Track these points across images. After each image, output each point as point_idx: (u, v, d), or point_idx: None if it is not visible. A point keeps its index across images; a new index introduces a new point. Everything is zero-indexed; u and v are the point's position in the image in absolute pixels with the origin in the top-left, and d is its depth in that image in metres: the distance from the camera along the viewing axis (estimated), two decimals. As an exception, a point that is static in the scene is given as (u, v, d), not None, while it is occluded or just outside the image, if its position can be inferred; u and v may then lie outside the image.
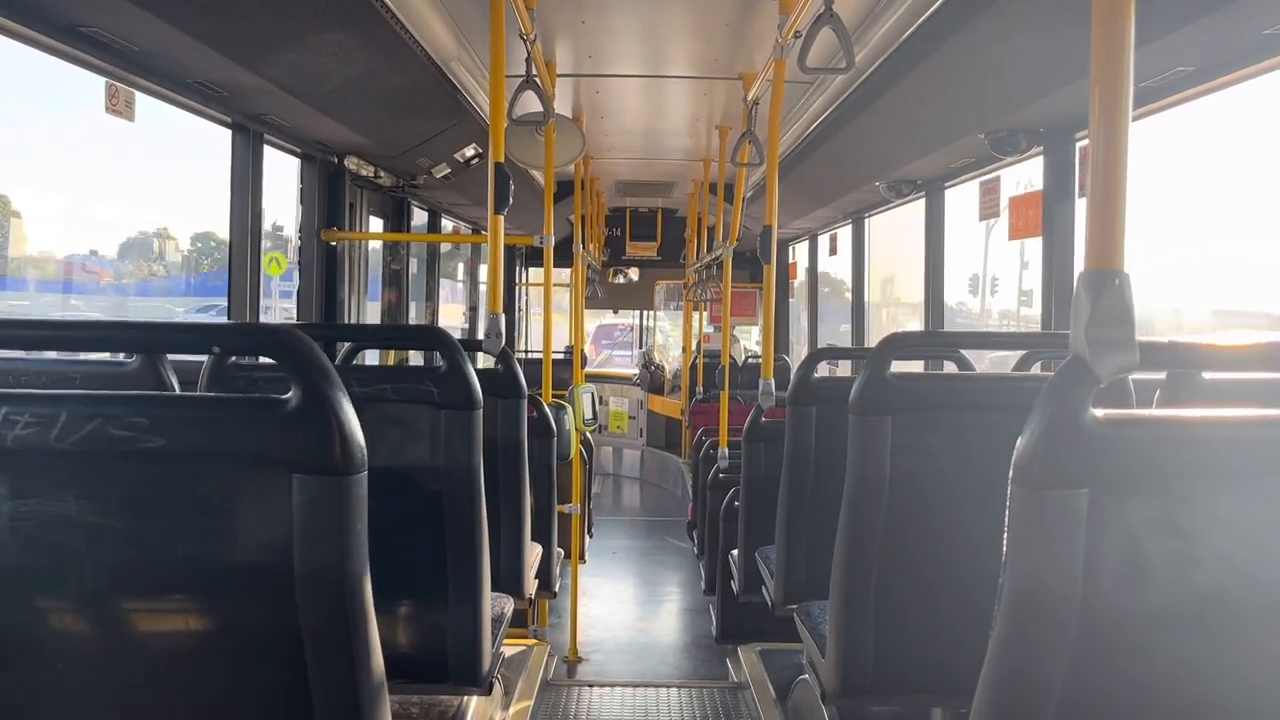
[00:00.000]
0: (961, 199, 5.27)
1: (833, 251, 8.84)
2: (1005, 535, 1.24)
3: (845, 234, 8.28)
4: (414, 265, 7.04)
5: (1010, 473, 1.23)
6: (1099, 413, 1.21)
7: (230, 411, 1.32)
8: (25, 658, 1.38)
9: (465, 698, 3.23)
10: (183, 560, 1.34)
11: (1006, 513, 1.24)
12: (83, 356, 2.37)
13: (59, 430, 1.28)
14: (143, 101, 3.50)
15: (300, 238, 5.02)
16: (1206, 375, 1.83)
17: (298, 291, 5.00)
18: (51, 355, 2.24)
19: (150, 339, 1.63)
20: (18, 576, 1.35)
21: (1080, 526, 1.20)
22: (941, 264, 5.55)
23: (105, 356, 2.40)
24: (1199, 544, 1.22)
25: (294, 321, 5.01)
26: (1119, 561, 1.21)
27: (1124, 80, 1.26)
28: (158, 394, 1.37)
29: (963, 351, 3.38)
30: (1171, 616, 1.24)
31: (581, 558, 5.44)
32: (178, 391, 2.38)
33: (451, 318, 9.90)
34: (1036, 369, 2.99)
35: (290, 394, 1.28)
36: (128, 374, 2.24)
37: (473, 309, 10.07)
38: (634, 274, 12.59)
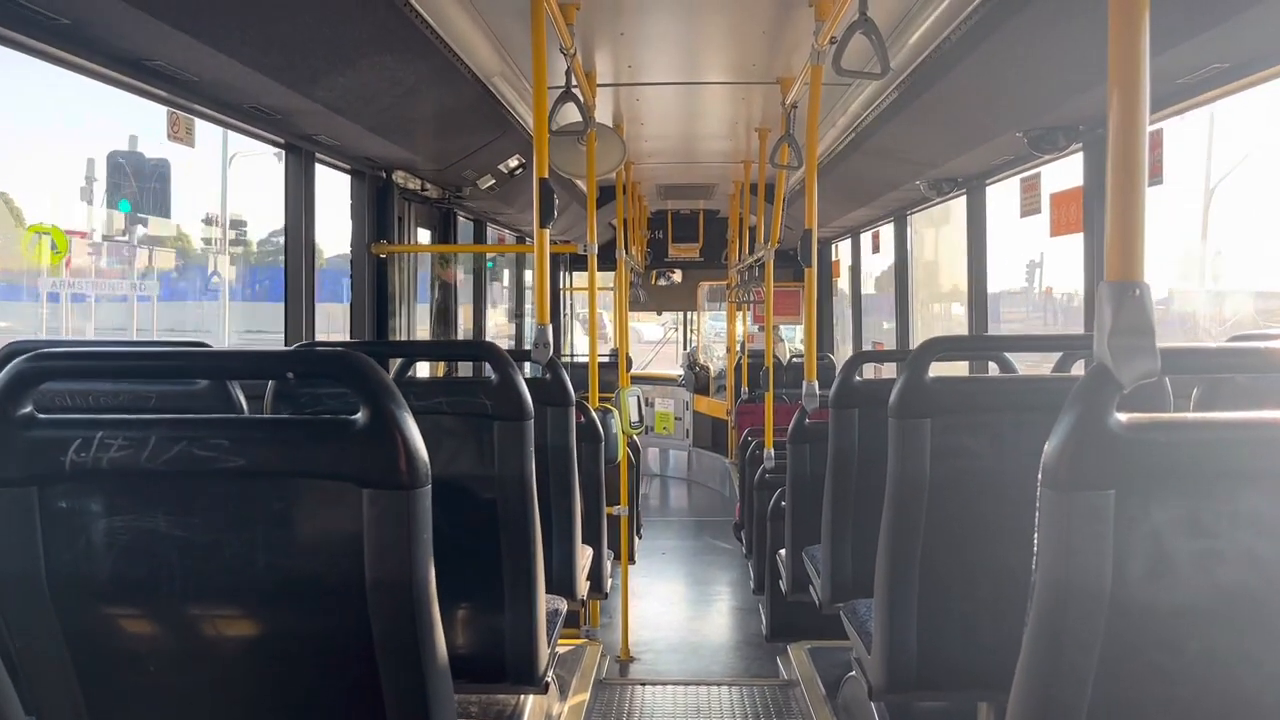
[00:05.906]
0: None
1: (875, 249, 8.82)
2: (1036, 535, 1.29)
3: (888, 232, 8.26)
4: (460, 273, 7.18)
5: (1039, 475, 1.28)
6: (1123, 417, 1.26)
7: (304, 432, 1.43)
8: (121, 659, 1.51)
9: (522, 696, 3.33)
10: (262, 570, 1.45)
11: (1037, 513, 1.29)
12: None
13: (149, 451, 1.39)
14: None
15: (352, 252, 5.17)
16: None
17: (350, 305, 5.15)
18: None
19: (228, 366, 1.78)
20: (113, 586, 1.47)
21: (1108, 525, 1.25)
22: (984, 262, 5.53)
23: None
24: (1222, 541, 1.26)
25: (344, 339, 5.16)
26: (1145, 558, 1.26)
27: (1140, 89, 1.30)
28: (237, 417, 1.48)
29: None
30: (1198, 610, 1.28)
31: (631, 559, 5.52)
32: (245, 407, 2.51)
33: (493, 322, 10.05)
34: (1079, 367, 3.01)
35: (359, 414, 1.38)
36: (199, 393, 2.36)
37: (518, 316, 10.20)
38: (677, 276, 12.63)
